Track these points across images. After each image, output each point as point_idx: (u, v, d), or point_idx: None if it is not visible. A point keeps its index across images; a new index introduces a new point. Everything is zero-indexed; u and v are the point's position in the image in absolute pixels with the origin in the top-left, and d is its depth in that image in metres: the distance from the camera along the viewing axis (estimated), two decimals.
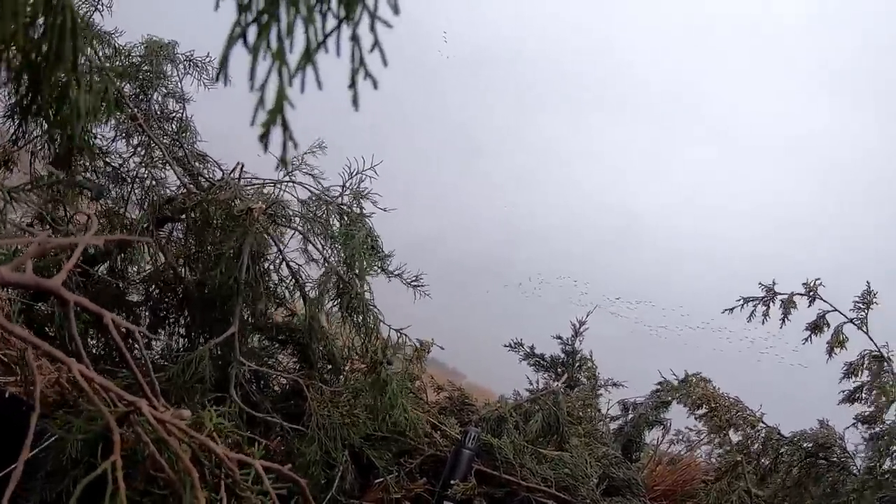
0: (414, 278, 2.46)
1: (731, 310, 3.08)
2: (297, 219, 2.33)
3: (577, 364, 3.88)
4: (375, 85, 0.81)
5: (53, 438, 1.63)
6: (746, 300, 3.03)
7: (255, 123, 0.77)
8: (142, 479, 1.39)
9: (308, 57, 0.78)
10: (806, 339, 2.88)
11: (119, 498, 1.15)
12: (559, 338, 3.92)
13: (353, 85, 0.81)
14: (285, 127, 0.77)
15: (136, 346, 2.72)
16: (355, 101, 0.81)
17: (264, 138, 0.77)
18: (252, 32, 0.78)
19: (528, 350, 3.89)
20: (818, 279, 2.90)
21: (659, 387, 3.84)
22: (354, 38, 0.81)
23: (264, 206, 2.19)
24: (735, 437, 2.97)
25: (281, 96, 0.77)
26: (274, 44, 0.78)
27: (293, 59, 0.78)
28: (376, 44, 0.81)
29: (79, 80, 1.00)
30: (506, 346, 3.89)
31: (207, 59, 2.60)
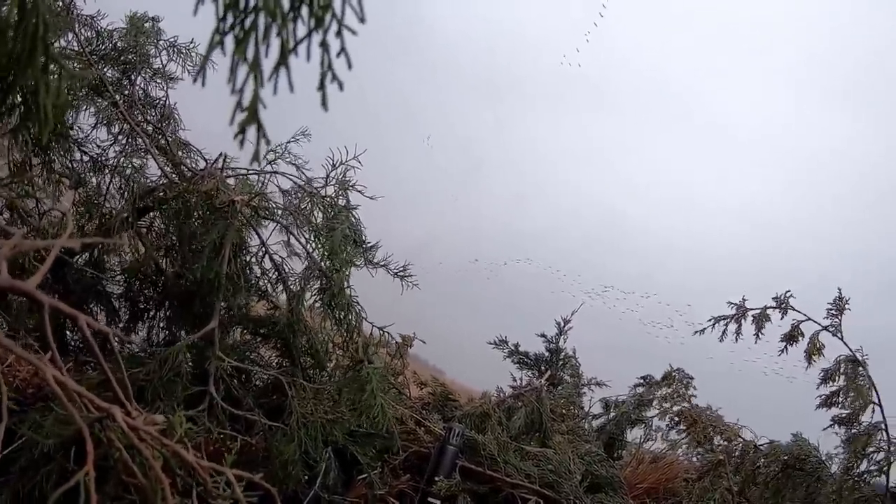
0: (401, 269, 2.42)
1: (703, 331, 3.04)
2: (281, 211, 2.28)
3: (560, 362, 3.87)
4: (341, 87, 0.87)
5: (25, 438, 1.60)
6: (717, 319, 3.00)
7: (233, 123, 0.84)
8: (114, 484, 1.36)
9: (282, 62, 0.85)
10: (782, 351, 2.88)
11: None
12: (543, 336, 3.92)
13: (322, 87, 0.87)
14: (259, 125, 0.85)
15: (115, 342, 2.69)
16: (324, 103, 0.87)
17: (241, 135, 0.85)
18: (230, 41, 0.85)
19: (513, 347, 3.88)
20: (788, 291, 2.88)
21: (642, 381, 3.86)
22: (324, 45, 0.87)
23: (247, 198, 2.14)
24: (717, 440, 3.00)
25: (255, 98, 0.84)
26: (251, 52, 0.84)
27: (268, 63, 0.85)
28: (343, 49, 0.87)
29: (48, 83, 1.00)
30: (490, 343, 3.87)
31: (191, 46, 2.54)
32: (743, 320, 2.95)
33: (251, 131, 0.85)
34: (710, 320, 3.01)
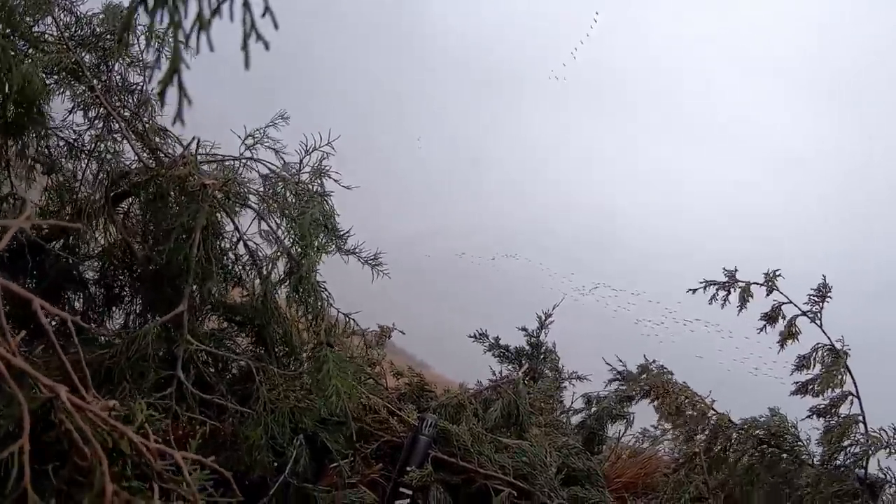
0: (372, 257, 2.42)
1: (695, 290, 3.11)
2: (253, 197, 2.27)
3: (541, 356, 3.88)
4: (267, 46, 0.87)
5: None
6: (709, 283, 3.08)
7: (151, 82, 0.83)
8: (69, 469, 1.35)
9: (201, 23, 0.84)
10: (761, 329, 2.94)
11: (23, 483, 1.11)
12: (524, 329, 3.93)
13: (245, 47, 0.86)
14: (181, 86, 0.84)
15: (73, 327, 2.68)
16: (247, 63, 0.86)
17: (161, 96, 0.84)
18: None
19: (493, 341, 3.89)
20: (777, 270, 2.95)
21: (618, 376, 3.87)
22: (246, 5, 0.86)
23: (219, 182, 2.14)
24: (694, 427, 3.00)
25: (176, 58, 0.83)
26: (171, 9, 0.84)
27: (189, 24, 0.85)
28: (267, 9, 0.87)
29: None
30: (470, 336, 3.89)
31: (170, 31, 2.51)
32: (732, 290, 3.06)
33: (173, 92, 0.84)
34: (701, 282, 3.11)
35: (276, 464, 2.27)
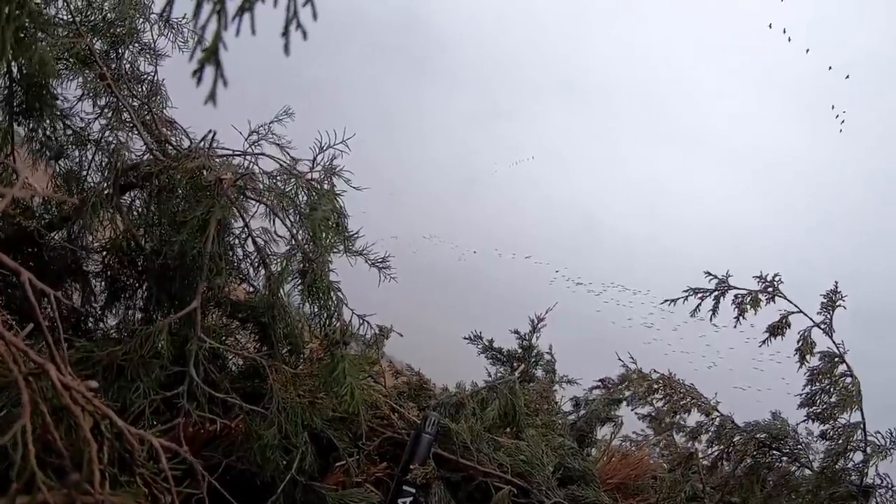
0: (380, 259, 2.39)
1: (674, 301, 2.74)
2: (268, 193, 2.24)
3: (533, 359, 3.90)
4: (305, 35, 0.89)
5: None
6: (694, 291, 2.70)
7: (192, 59, 0.86)
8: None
9: (246, 5, 0.86)
10: (763, 342, 2.64)
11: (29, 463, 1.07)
12: (516, 332, 3.94)
13: (286, 33, 0.88)
14: (218, 64, 0.85)
15: (89, 319, 2.64)
16: (286, 48, 0.89)
17: (198, 73, 0.85)
18: None
19: (487, 343, 3.90)
20: (777, 275, 2.63)
21: (599, 383, 3.86)
22: None
23: (235, 177, 2.12)
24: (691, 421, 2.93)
25: (217, 38, 0.85)
26: None
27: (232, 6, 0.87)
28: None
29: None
30: (465, 338, 3.89)
31: (183, 21, 2.49)
32: (722, 298, 2.67)
33: (209, 71, 0.86)
34: (685, 291, 2.71)
35: (284, 462, 2.24)
